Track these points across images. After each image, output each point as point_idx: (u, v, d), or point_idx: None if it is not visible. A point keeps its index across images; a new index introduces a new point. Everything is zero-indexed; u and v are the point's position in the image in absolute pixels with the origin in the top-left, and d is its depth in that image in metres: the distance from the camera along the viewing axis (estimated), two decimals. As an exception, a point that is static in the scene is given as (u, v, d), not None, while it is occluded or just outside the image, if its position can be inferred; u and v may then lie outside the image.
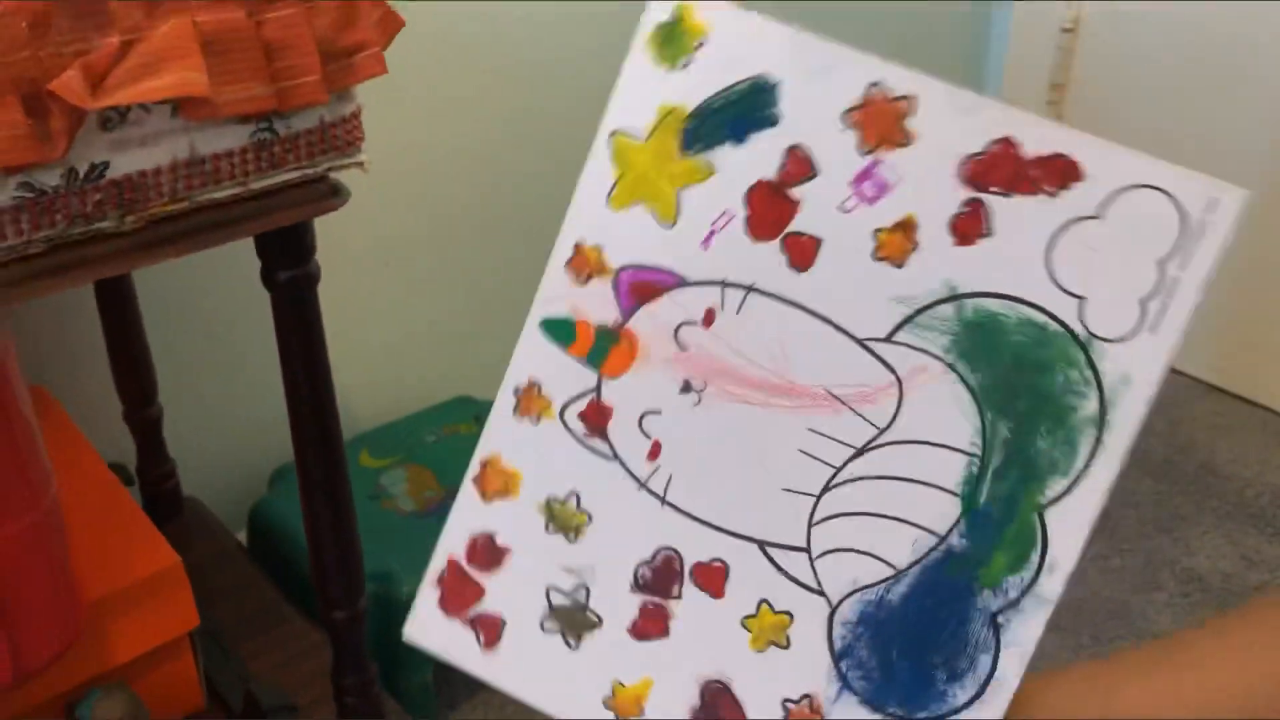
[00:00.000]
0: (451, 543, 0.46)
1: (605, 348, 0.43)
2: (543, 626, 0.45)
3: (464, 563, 0.46)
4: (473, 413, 1.39)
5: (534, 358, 0.44)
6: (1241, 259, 1.81)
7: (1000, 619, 0.39)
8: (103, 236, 0.68)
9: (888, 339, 0.40)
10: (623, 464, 0.44)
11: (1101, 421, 0.38)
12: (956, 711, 0.40)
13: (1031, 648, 0.39)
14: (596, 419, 0.44)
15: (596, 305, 0.43)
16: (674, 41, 0.41)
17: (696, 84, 0.41)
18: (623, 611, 0.44)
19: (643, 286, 0.43)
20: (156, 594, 0.93)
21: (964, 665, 0.40)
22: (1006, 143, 0.38)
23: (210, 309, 1.27)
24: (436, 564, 0.46)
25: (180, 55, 0.64)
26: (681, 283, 0.42)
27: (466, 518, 0.46)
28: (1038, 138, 0.38)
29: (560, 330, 0.44)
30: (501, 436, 0.45)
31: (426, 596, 0.47)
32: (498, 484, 0.45)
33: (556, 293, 0.44)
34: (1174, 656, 0.46)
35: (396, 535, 1.17)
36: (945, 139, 0.39)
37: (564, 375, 0.44)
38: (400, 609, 1.24)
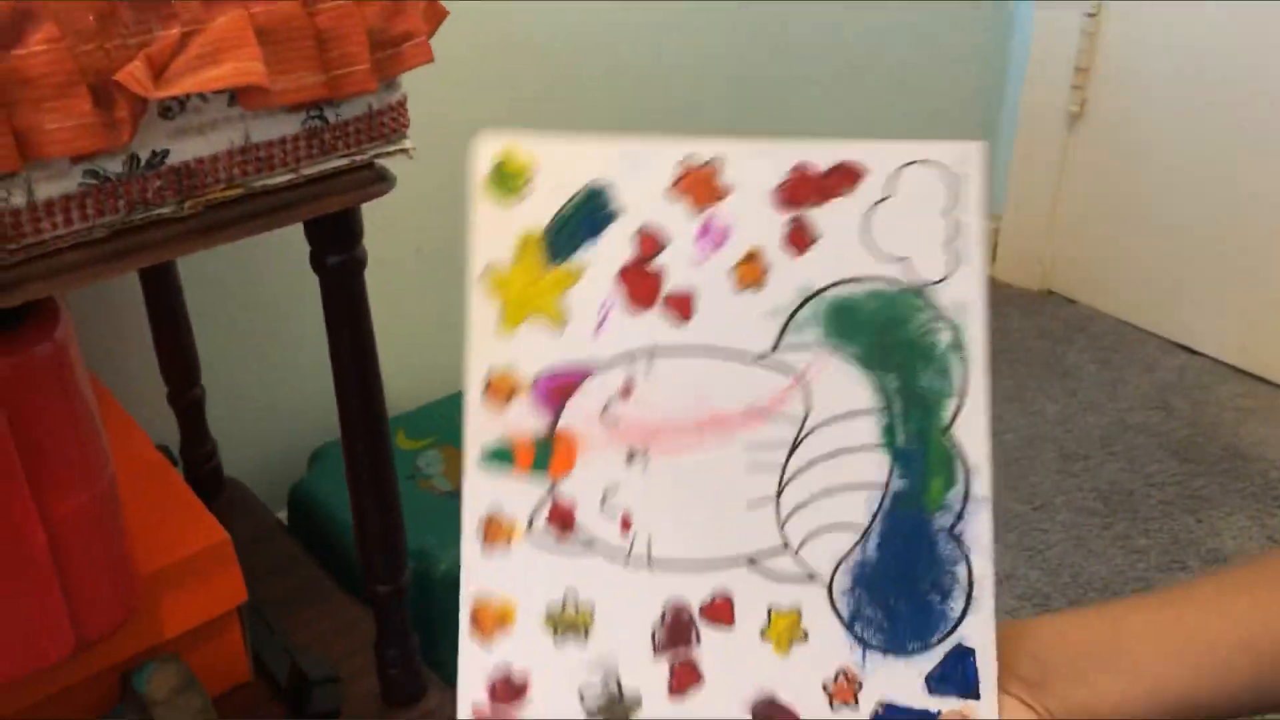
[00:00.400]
0: (470, 695, 0.46)
1: (546, 454, 0.46)
2: None
3: (489, 709, 0.46)
4: (505, 395, 1.41)
5: (484, 492, 0.46)
6: (1263, 241, 1.81)
7: (956, 530, 0.45)
8: (162, 222, 0.71)
9: (775, 349, 0.46)
10: (602, 548, 0.46)
11: (959, 344, 0.45)
12: (959, 620, 0.45)
13: (990, 544, 0.45)
14: (562, 519, 0.46)
15: (525, 420, 0.46)
16: (506, 181, 0.46)
17: (540, 208, 0.46)
18: (656, 679, 0.46)
19: (559, 388, 0.46)
20: (206, 569, 0.96)
21: (948, 581, 0.45)
22: (800, 167, 0.46)
23: (249, 295, 1.29)
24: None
25: (237, 45, 0.66)
26: (592, 371, 0.46)
27: (477, 665, 0.46)
28: (820, 156, 0.46)
29: (500, 457, 0.46)
30: (480, 576, 0.46)
31: None
32: (494, 620, 0.46)
33: (484, 425, 0.46)
34: (1182, 593, 0.48)
35: (434, 514, 1.20)
36: (754, 181, 0.46)
37: (517, 494, 0.46)
38: (437, 585, 1.26)
